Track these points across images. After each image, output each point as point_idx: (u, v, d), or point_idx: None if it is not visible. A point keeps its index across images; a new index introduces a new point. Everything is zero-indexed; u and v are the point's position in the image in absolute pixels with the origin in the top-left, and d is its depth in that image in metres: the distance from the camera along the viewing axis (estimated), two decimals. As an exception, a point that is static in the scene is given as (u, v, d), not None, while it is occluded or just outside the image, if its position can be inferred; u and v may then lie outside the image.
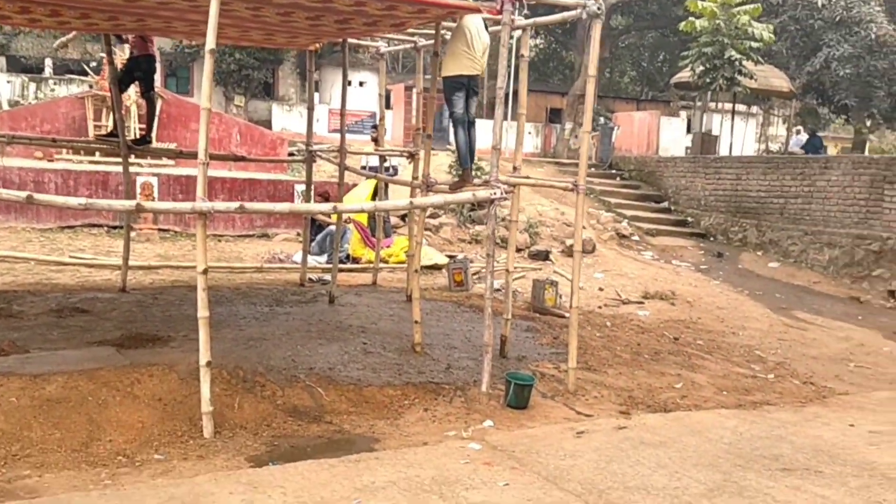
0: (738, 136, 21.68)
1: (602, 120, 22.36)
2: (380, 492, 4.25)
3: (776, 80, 20.63)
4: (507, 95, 6.49)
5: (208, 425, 5.14)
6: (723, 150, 19.69)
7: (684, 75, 20.14)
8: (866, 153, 24.05)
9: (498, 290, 9.46)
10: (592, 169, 18.01)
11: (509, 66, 6.56)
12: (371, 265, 10.52)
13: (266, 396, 5.69)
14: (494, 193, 6.02)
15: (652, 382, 6.95)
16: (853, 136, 25.50)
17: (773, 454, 5.23)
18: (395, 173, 12.27)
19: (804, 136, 23.09)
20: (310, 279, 10.02)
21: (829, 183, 13.47)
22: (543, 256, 12.34)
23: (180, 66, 28.49)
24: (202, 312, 5.16)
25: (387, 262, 11.31)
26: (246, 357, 6.19)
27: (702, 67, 17.73)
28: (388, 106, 28.42)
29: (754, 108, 29.25)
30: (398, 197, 11.51)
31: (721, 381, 7.18)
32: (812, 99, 25.01)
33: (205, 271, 5.24)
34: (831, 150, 29.45)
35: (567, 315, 8.92)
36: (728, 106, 20.28)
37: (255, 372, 5.91)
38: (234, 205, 5.55)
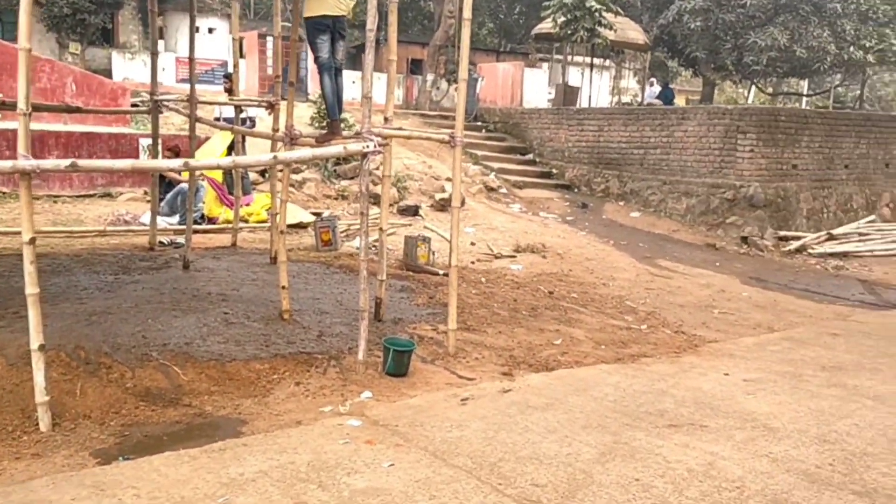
0: (594, 88, 22.06)
1: (465, 71, 22.02)
2: (249, 485, 3.77)
3: (632, 32, 21.04)
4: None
5: (45, 417, 4.46)
6: (583, 103, 19.95)
7: (545, 26, 20.14)
8: (714, 104, 25.13)
9: (370, 248, 9.02)
10: (458, 121, 17.77)
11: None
12: (229, 225, 9.77)
13: (113, 380, 5.02)
14: (367, 146, 5.54)
15: (532, 340, 6.78)
16: (701, 89, 26.57)
17: (658, 409, 5.16)
18: (253, 125, 11.43)
19: (657, 88, 23.85)
20: (160, 242, 9.17)
21: (686, 134, 13.83)
22: (413, 212, 11.97)
23: (5, 9, 25.59)
24: (30, 289, 4.42)
25: (247, 221, 10.57)
26: (88, 335, 5.45)
27: (563, 18, 17.74)
28: (240, 54, 26.93)
29: (607, 62, 29.96)
30: (257, 151, 10.73)
31: (598, 335, 7.12)
32: (662, 51, 25.80)
33: (32, 241, 4.47)
34: (680, 102, 30.70)
35: (441, 272, 8.63)
36: (584, 59, 20.55)
37: (99, 352, 5.21)
38: (65, 162, 4.77)
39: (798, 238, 12.66)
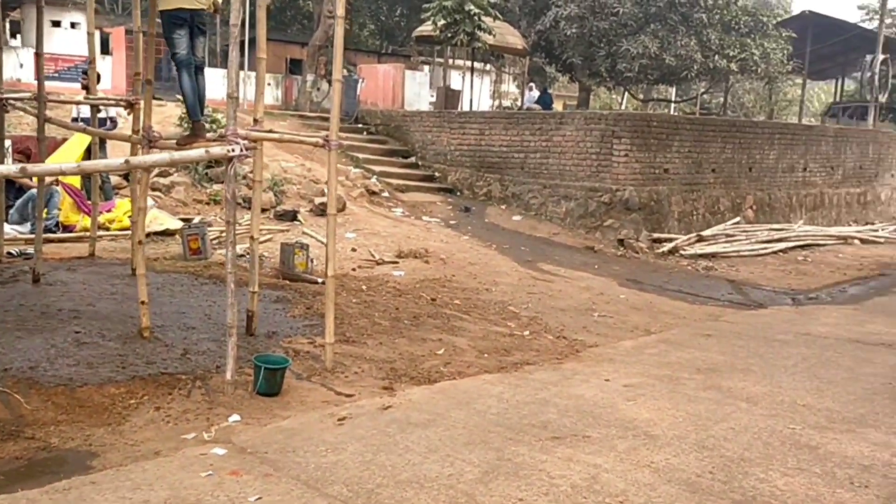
0: (476, 92, 22.17)
1: (346, 72, 21.66)
2: (96, 532, 3.36)
3: (511, 37, 21.29)
4: (243, 42, 5.59)
5: None
6: (464, 106, 19.98)
7: (426, 29, 20.06)
8: (589, 110, 25.79)
9: (242, 256, 8.56)
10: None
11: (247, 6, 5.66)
12: (87, 234, 9.04)
13: (-61, 414, 4.43)
14: (233, 150, 5.15)
15: (414, 350, 6.56)
16: (577, 94, 27.23)
17: (542, 421, 5.04)
18: (115, 126, 10.66)
19: (536, 93, 24.25)
20: (8, 253, 8.37)
21: (565, 138, 14.03)
22: (291, 217, 11.53)
23: None
24: None
25: (108, 228, 9.83)
26: (-90, 363, 4.81)
27: (443, 21, 17.69)
28: (106, 51, 25.39)
29: (487, 66, 30.28)
30: (121, 154, 10.01)
31: (481, 343, 6.99)
32: (540, 57, 26.26)
33: None
34: (558, 107, 31.39)
35: (320, 281, 8.27)
36: (465, 62, 20.60)
37: (-78, 383, 4.59)
38: None
39: (671, 240, 13.07)
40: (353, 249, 10.42)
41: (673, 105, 32.79)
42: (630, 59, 20.41)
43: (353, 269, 9.44)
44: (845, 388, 6.12)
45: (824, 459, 4.58)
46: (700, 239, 13.52)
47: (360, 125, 18.14)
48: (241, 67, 5.52)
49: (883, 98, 24.44)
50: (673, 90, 33.68)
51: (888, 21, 33.97)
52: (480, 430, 4.82)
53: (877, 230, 17.61)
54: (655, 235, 13.16)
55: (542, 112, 16.93)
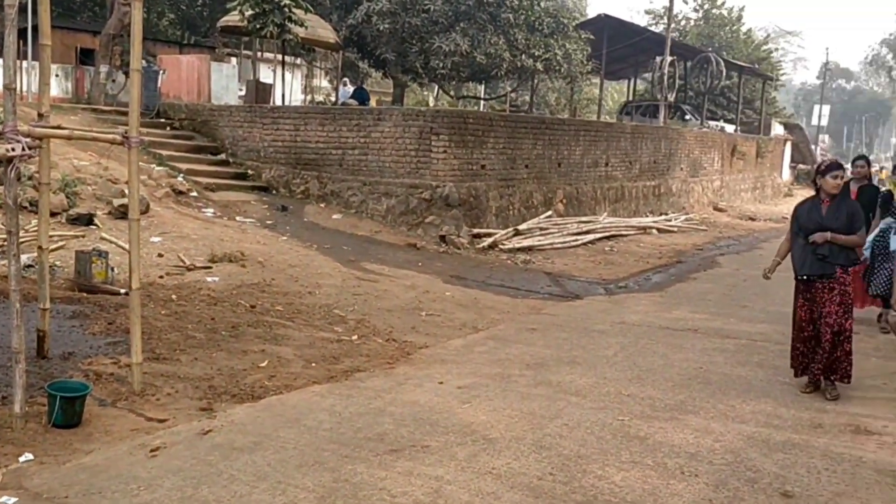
0: (287, 86, 21.45)
1: (145, 63, 20.17)
2: None
3: (323, 30, 20.77)
4: (25, 30, 4.86)
5: None
6: (276, 101, 19.26)
7: (232, 19, 19.09)
8: (406, 106, 25.85)
9: (29, 267, 7.61)
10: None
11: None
12: None
13: None
14: (12, 149, 4.44)
15: (234, 364, 6.08)
16: (392, 90, 27.18)
17: (378, 433, 4.80)
18: None
19: (351, 89, 23.90)
20: None
21: (383, 134, 13.84)
22: (86, 221, 10.44)
23: None
24: None
25: None
26: None
27: (251, 11, 16.89)
28: None
29: (299, 60, 29.51)
30: None
31: (308, 352, 6.62)
32: (352, 52, 25.93)
33: None
34: (371, 103, 31.22)
35: (123, 291, 7.53)
36: (275, 56, 19.86)
37: None
38: None
39: (490, 235, 13.28)
40: (160, 255, 9.62)
41: (483, 102, 33.66)
42: (443, 56, 20.58)
43: (161, 277, 8.70)
44: (663, 375, 6.39)
45: (654, 450, 4.69)
46: (517, 233, 13.87)
47: (162, 120, 16.92)
48: (24, 57, 4.80)
49: (671, 97, 26.47)
50: (482, 88, 34.61)
51: (672, 25, 36.97)
52: (313, 450, 4.49)
53: (671, 220, 19.00)
54: (475, 231, 13.32)
55: (360, 108, 16.64)
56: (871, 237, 7.89)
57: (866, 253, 7.84)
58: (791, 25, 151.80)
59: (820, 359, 5.83)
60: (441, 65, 20.76)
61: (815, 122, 53.02)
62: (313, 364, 6.32)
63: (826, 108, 54.34)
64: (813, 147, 44.09)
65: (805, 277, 5.87)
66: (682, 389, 6.00)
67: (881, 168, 33.44)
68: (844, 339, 5.82)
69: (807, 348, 5.97)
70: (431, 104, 32.77)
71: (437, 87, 30.78)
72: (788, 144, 35.92)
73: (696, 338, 7.82)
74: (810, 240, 5.80)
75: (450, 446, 4.63)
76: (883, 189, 8.34)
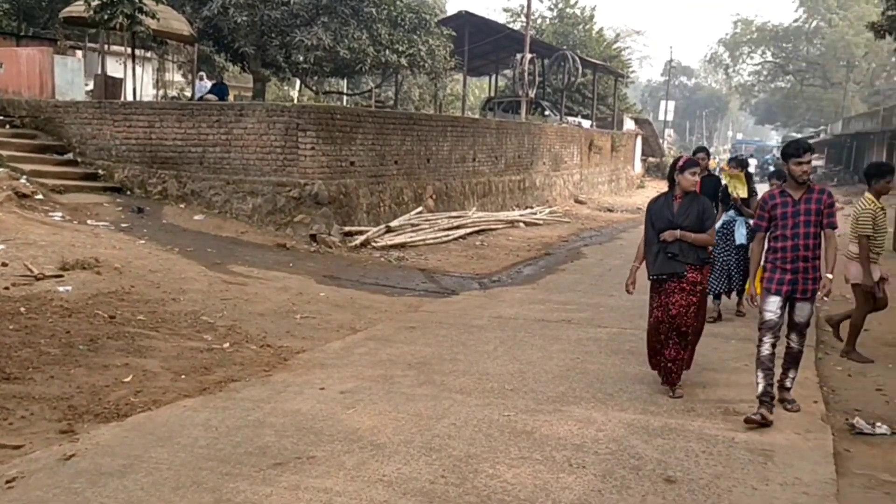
0: (137, 81, 20.31)
1: (-24, 55, 18.49)
2: None
3: (176, 22, 19.80)
4: None
5: None
6: (127, 96, 18.18)
7: (76, 9, 17.82)
8: (269, 101, 25.11)
9: None
10: (-30, 114, 14.79)
11: None
12: None
13: None
14: None
15: (95, 381, 5.62)
16: (252, 85, 26.33)
17: (259, 447, 4.56)
18: None
19: (208, 83, 22.95)
20: None
21: (247, 131, 13.33)
22: (-87, 229, 9.41)
23: None
24: None
25: None
26: None
27: (97, 1, 15.82)
28: None
29: (149, 53, 28.08)
30: None
31: (177, 363, 6.23)
32: (208, 45, 24.91)
33: None
34: (233, 98, 30.17)
35: (-39, 308, 6.81)
36: (124, 48, 18.74)
37: None
38: None
39: (362, 232, 13.09)
40: (4, 264, 8.80)
41: (346, 98, 33.25)
42: (305, 50, 20.12)
43: (6, 288, 7.95)
44: (543, 367, 6.48)
45: (542, 444, 4.72)
46: (389, 230, 13.75)
47: (1, 117, 15.56)
48: None
49: (532, 93, 27.13)
50: (344, 83, 34.18)
51: (530, 24, 37.93)
52: (190, 469, 4.21)
53: (536, 213, 19.49)
54: (347, 229, 13.09)
55: (221, 103, 15.96)
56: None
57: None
58: (637, 25, 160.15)
59: (671, 357, 5.73)
60: (303, 59, 20.30)
61: (661, 116, 56.08)
62: (183, 376, 5.95)
63: (671, 104, 57.67)
64: (660, 140, 46.61)
65: (655, 277, 5.78)
66: (563, 381, 6.10)
67: (718, 161, 35.88)
68: (694, 339, 5.80)
69: (660, 348, 5.84)
70: (295, 100, 32.03)
71: (298, 82, 30.12)
72: (639, 138, 37.77)
73: (570, 328, 8.00)
74: (661, 238, 5.71)
75: (337, 455, 4.46)
76: (724, 182, 8.72)
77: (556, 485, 4.15)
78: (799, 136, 63.31)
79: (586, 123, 31.67)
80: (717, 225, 8.30)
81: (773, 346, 5.30)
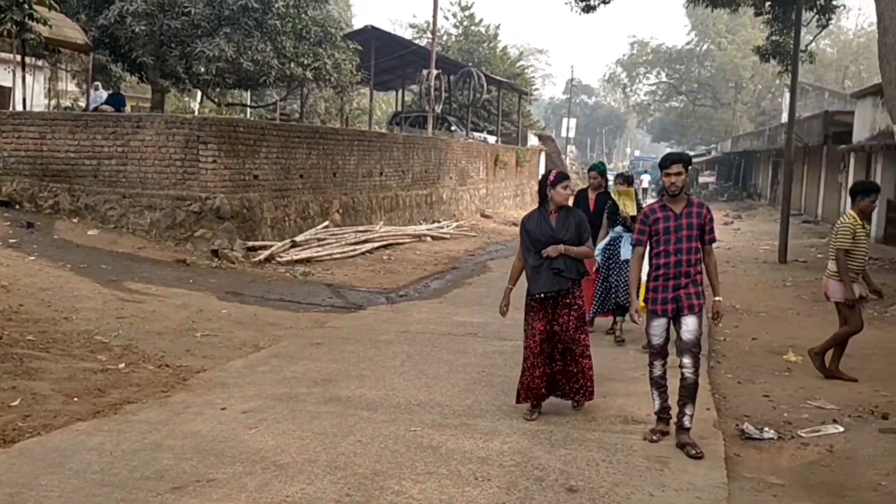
0: (27, 90, 19.40)
1: None
2: None
3: (70, 30, 19.03)
4: None
5: None
6: (16, 106, 17.32)
7: (-42, 13, 16.87)
8: (168, 113, 24.40)
9: None
10: None
11: None
12: None
13: None
14: None
15: (-22, 407, 5.31)
16: (151, 95, 25.54)
17: (157, 471, 4.41)
18: None
19: (104, 93, 22.12)
20: None
21: (144, 143, 12.92)
22: None
23: None
24: None
25: None
26: None
27: (-17, 6, 15.03)
28: None
29: (41, 62, 26.88)
30: None
31: (68, 385, 5.95)
32: (104, 54, 24.05)
33: None
34: (127, 109, 29.15)
35: None
36: (12, 56, 17.86)
37: None
38: None
39: (266, 247, 12.86)
40: None
41: (250, 110, 32.67)
42: (206, 61, 19.68)
43: None
44: (449, 381, 6.53)
45: (448, 459, 4.75)
46: (294, 244, 13.57)
47: None
48: None
49: (438, 108, 27.39)
50: (248, 95, 33.58)
51: (436, 40, 38.32)
52: (83, 496, 4.03)
53: (443, 227, 19.65)
54: (250, 244, 12.84)
55: (117, 115, 15.40)
56: (601, 245, 8.21)
57: (599, 259, 8.16)
58: (540, 44, 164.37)
59: (559, 370, 5.64)
60: (204, 70, 19.86)
61: (563, 133, 57.59)
62: (75, 399, 5.69)
63: (573, 121, 59.33)
64: (562, 156, 47.86)
65: (542, 295, 5.59)
66: (469, 394, 6.16)
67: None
68: (584, 354, 5.66)
69: (548, 369, 5.63)
70: (196, 111, 31.23)
71: (200, 94, 29.40)
72: (543, 154, 38.66)
73: (476, 342, 8.09)
74: (544, 254, 5.56)
75: (238, 477, 4.36)
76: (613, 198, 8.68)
77: (461, 498, 4.18)
78: (691, 153, 66.30)
79: (492, 139, 32.19)
80: (605, 242, 8.31)
81: (664, 365, 5.32)
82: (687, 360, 5.14)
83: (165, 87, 23.85)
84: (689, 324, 5.15)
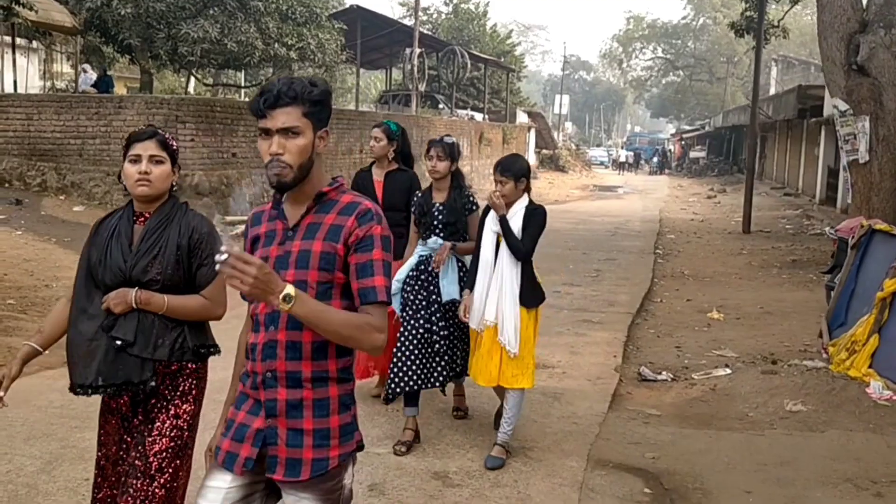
0: (21, 72, 20.02)
1: None
2: None
3: (58, 14, 19.60)
4: None
5: None
6: (8, 88, 17.95)
7: (-52, -2, 17.44)
8: (154, 93, 24.97)
9: None
10: None
11: None
12: None
13: None
14: None
15: (-42, 358, 6.00)
16: (140, 76, 26.10)
17: (110, 405, 5.10)
18: None
19: (93, 75, 22.71)
20: None
21: (126, 123, 13.52)
22: None
23: None
24: None
25: None
26: None
27: (-30, -9, 15.59)
28: None
29: (35, 44, 27.41)
30: None
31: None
32: (95, 36, 24.59)
33: None
34: (121, 90, 29.79)
35: None
36: (4, 38, 18.44)
37: None
38: None
39: (243, 222, 13.53)
40: None
41: (243, 90, 33.19)
42: (192, 42, 20.24)
43: None
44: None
45: None
46: (271, 219, 14.21)
47: None
48: None
49: (423, 87, 27.93)
50: (241, 75, 34.10)
51: (424, 18, 38.76)
52: (43, 425, 4.72)
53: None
54: (229, 219, 13.49)
55: (100, 95, 16.00)
56: (402, 271, 4.89)
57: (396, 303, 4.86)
58: (539, 20, 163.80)
59: None
60: (190, 52, 20.43)
61: (556, 110, 57.99)
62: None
63: (566, 98, 59.68)
64: (555, 133, 48.32)
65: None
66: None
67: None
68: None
69: None
70: (192, 91, 31.78)
71: (189, 75, 29.91)
72: (532, 131, 39.15)
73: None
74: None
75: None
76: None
77: None
78: (689, 128, 66.61)
79: (479, 116, 32.69)
80: (413, 261, 4.84)
81: None
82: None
83: (152, 69, 24.41)
84: None
